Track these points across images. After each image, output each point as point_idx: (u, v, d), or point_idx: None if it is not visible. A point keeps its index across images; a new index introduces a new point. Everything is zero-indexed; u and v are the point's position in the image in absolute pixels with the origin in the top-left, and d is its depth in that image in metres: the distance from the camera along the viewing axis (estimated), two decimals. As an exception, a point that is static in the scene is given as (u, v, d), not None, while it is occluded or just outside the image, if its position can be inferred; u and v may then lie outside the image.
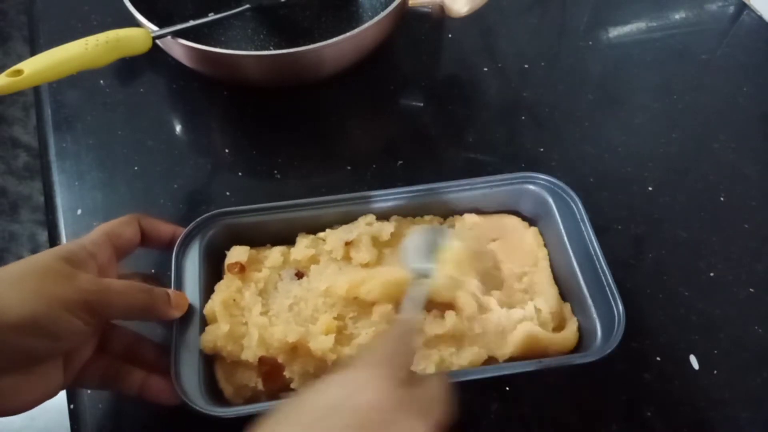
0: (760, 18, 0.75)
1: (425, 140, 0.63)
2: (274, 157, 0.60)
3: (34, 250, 1.34)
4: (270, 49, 0.65)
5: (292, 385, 0.43)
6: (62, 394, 0.45)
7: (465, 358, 0.43)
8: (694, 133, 0.64)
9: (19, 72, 0.47)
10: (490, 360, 0.44)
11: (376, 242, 0.48)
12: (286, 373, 0.43)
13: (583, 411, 0.46)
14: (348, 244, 0.48)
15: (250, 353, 0.42)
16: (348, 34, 0.56)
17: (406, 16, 0.64)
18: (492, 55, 0.71)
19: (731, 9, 0.76)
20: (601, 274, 0.45)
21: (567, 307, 0.47)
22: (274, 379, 0.43)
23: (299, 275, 0.48)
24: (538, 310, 0.46)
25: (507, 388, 0.46)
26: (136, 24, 0.57)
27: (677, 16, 0.76)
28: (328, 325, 0.43)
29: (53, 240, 0.55)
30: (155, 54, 0.57)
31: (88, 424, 0.45)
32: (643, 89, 0.68)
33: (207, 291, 0.46)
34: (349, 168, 0.60)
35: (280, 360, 0.43)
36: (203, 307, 0.44)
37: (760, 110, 0.66)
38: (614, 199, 0.58)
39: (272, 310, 0.45)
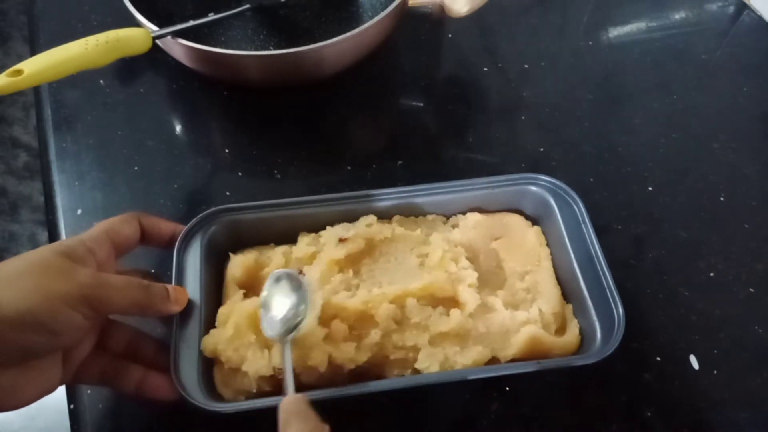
0: (760, 18, 0.75)
1: (425, 140, 0.63)
2: (274, 157, 0.60)
3: (34, 250, 1.34)
4: (270, 49, 0.65)
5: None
6: (62, 394, 0.45)
7: (469, 358, 0.43)
8: (694, 133, 0.64)
9: (19, 72, 0.47)
10: (493, 360, 0.44)
11: (372, 242, 0.49)
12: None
13: (583, 411, 0.46)
14: (342, 240, 0.48)
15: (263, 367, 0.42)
16: (348, 34, 0.56)
17: (406, 16, 0.64)
18: (492, 55, 0.71)
19: (731, 9, 0.76)
20: (602, 276, 0.45)
21: (569, 308, 0.48)
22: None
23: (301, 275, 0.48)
24: (541, 312, 0.46)
25: (507, 388, 0.46)
26: (136, 24, 0.57)
27: (677, 16, 0.76)
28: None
29: (53, 240, 0.55)
30: (155, 54, 0.57)
31: (88, 424, 0.45)
32: (643, 89, 0.68)
33: (208, 288, 0.46)
34: (349, 168, 0.60)
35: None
36: (204, 304, 0.44)
37: (760, 110, 0.66)
38: (614, 199, 0.58)
39: None
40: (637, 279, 0.52)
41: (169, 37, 0.56)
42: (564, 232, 0.49)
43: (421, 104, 0.67)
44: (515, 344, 0.44)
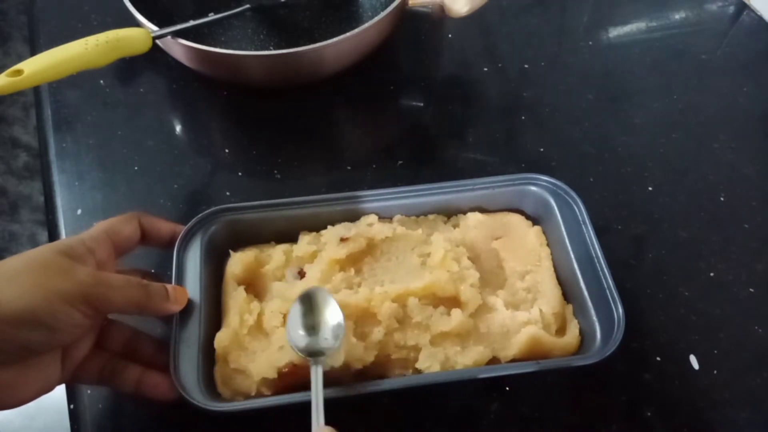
0: (760, 18, 0.75)
1: (425, 140, 0.63)
2: (274, 157, 0.60)
3: (34, 250, 1.34)
4: (270, 49, 0.65)
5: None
6: (62, 394, 0.45)
7: (470, 358, 0.43)
8: (694, 133, 0.64)
9: (19, 72, 0.48)
10: (493, 360, 0.44)
11: (373, 241, 0.49)
12: None
13: (583, 411, 0.46)
14: (344, 239, 0.48)
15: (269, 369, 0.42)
16: (348, 34, 0.56)
17: (406, 16, 0.64)
18: (492, 55, 0.71)
19: (731, 9, 0.76)
20: (602, 276, 0.45)
21: (569, 308, 0.48)
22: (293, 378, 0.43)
23: (302, 274, 0.48)
24: (541, 312, 0.46)
25: (507, 388, 0.46)
26: (136, 24, 0.57)
27: (677, 16, 0.76)
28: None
29: (53, 240, 0.55)
30: (155, 54, 0.58)
31: (88, 424, 0.45)
32: (643, 89, 0.68)
33: (208, 287, 0.46)
34: (349, 168, 0.60)
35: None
36: (204, 303, 0.44)
37: (760, 110, 0.66)
38: (614, 199, 0.58)
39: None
40: (637, 279, 0.52)
41: (169, 37, 0.56)
42: (564, 232, 0.49)
43: (421, 104, 0.67)
44: (516, 344, 0.44)
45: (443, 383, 0.43)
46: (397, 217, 0.51)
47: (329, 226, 0.49)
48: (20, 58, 0.48)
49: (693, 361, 0.48)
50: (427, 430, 0.45)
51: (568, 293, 0.48)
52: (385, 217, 0.51)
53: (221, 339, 0.43)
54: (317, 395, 0.38)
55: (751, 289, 0.52)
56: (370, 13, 0.71)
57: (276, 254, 0.48)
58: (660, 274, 0.53)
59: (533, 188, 0.51)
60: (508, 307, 0.46)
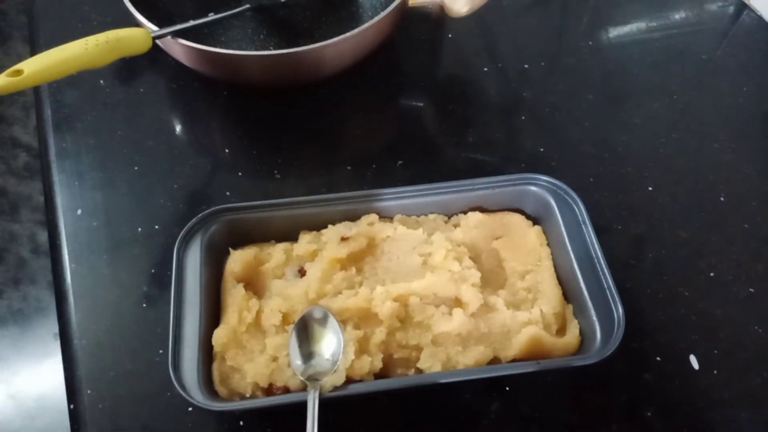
0: (760, 18, 0.75)
1: (425, 140, 0.63)
2: (274, 157, 0.60)
3: (34, 250, 1.34)
4: (270, 49, 0.65)
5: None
6: (62, 394, 0.45)
7: (471, 358, 0.43)
8: (694, 133, 0.64)
9: (19, 72, 0.47)
10: (494, 360, 0.44)
11: (374, 241, 0.49)
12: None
13: (583, 411, 0.46)
14: (344, 239, 0.48)
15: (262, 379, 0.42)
16: (348, 34, 0.56)
17: (406, 16, 0.64)
18: (492, 55, 0.71)
19: (731, 9, 0.76)
20: (602, 276, 0.45)
21: (569, 308, 0.48)
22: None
23: (302, 272, 0.48)
24: (542, 312, 0.46)
25: (507, 388, 0.46)
26: (136, 24, 0.57)
27: (677, 16, 0.76)
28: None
29: (53, 240, 0.55)
30: (155, 54, 0.57)
31: (88, 424, 0.45)
32: (643, 89, 0.68)
33: (207, 286, 0.46)
34: (349, 168, 0.60)
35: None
36: (203, 303, 0.44)
37: (760, 110, 0.66)
38: (614, 199, 0.58)
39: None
40: (637, 279, 0.52)
41: (169, 37, 0.56)
42: (564, 232, 0.49)
43: (421, 104, 0.67)
44: (516, 344, 0.44)
45: (444, 383, 0.43)
46: (398, 216, 0.51)
47: (330, 226, 0.49)
48: (20, 58, 0.48)
49: (693, 361, 0.48)
50: (428, 429, 0.45)
51: (568, 293, 0.48)
52: (385, 216, 0.51)
53: (219, 336, 0.43)
54: (313, 420, 0.38)
55: (751, 289, 0.52)
56: (370, 13, 0.71)
57: (276, 253, 0.48)
58: (660, 274, 0.53)
59: (533, 188, 0.51)
60: (508, 307, 0.46)
